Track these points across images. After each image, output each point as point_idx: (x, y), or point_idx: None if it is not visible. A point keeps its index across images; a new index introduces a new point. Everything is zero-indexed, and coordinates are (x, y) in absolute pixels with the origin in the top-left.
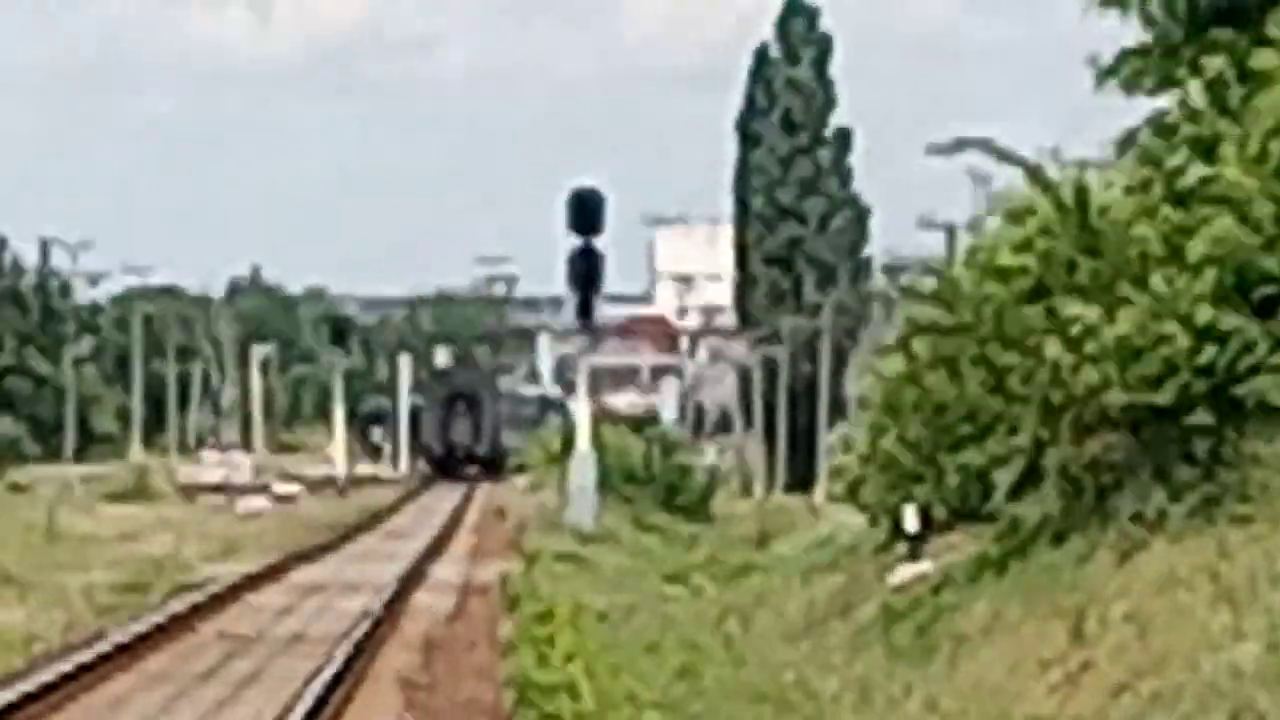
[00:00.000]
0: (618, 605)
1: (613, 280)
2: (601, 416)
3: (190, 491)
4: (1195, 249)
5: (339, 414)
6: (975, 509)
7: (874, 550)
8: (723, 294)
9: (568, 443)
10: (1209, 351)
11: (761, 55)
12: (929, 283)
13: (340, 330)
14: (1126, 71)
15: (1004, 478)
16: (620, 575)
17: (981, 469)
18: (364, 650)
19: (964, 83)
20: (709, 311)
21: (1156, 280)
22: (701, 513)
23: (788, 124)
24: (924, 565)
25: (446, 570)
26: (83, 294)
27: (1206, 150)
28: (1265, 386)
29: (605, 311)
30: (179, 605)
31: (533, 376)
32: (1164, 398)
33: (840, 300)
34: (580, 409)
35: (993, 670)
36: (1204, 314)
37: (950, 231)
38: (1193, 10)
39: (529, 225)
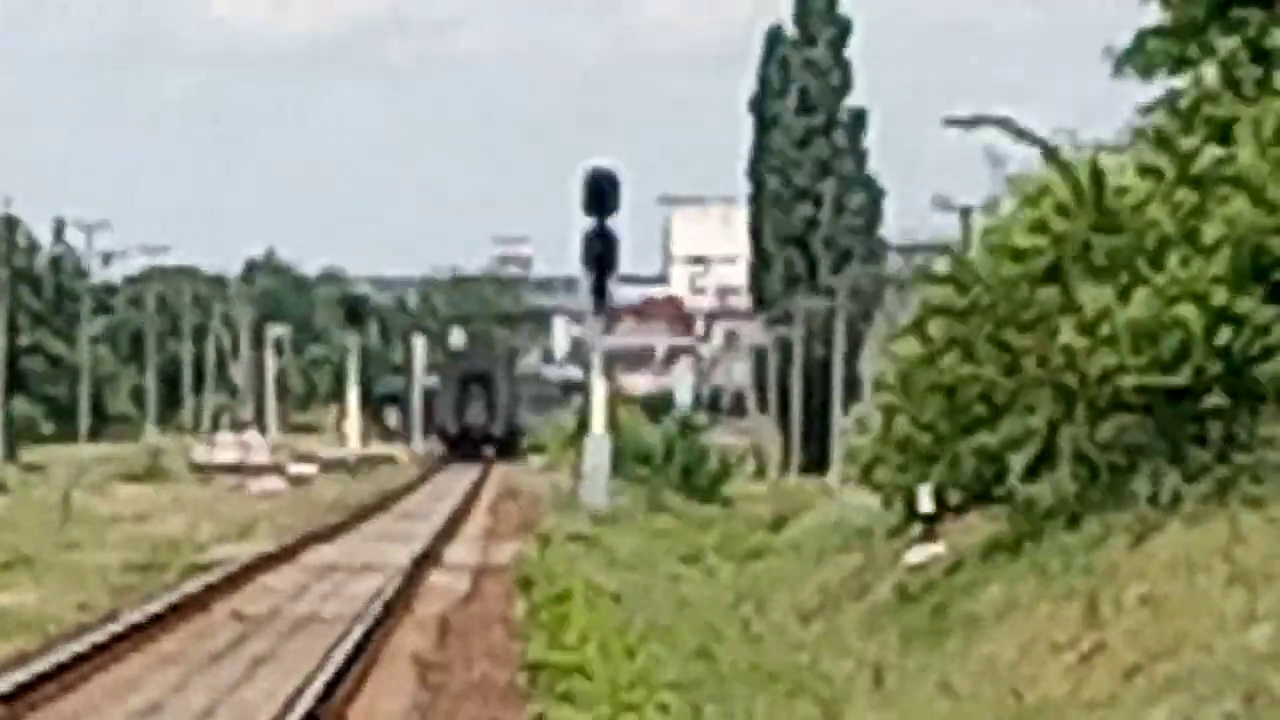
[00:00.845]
0: (632, 586)
1: (628, 261)
2: (617, 398)
3: (205, 472)
4: (1210, 231)
5: (353, 395)
6: (989, 491)
7: (888, 532)
8: (738, 275)
9: (582, 424)
10: (1223, 334)
11: (774, 36)
12: (944, 264)
13: (355, 311)
14: (1143, 55)
15: (1018, 460)
16: (634, 557)
17: (996, 451)
18: (378, 631)
19: (982, 66)
20: (724, 293)
21: (1171, 262)
22: (716, 495)
23: (803, 105)
24: (938, 547)
25: (461, 551)
26: (97, 274)
27: (1221, 132)
28: (1278, 369)
29: (620, 293)
30: (193, 586)
31: (548, 357)
32: (1178, 380)
33: (855, 282)
34: (595, 390)
35: (1006, 652)
36: (1219, 296)
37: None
38: None
39: (544, 206)
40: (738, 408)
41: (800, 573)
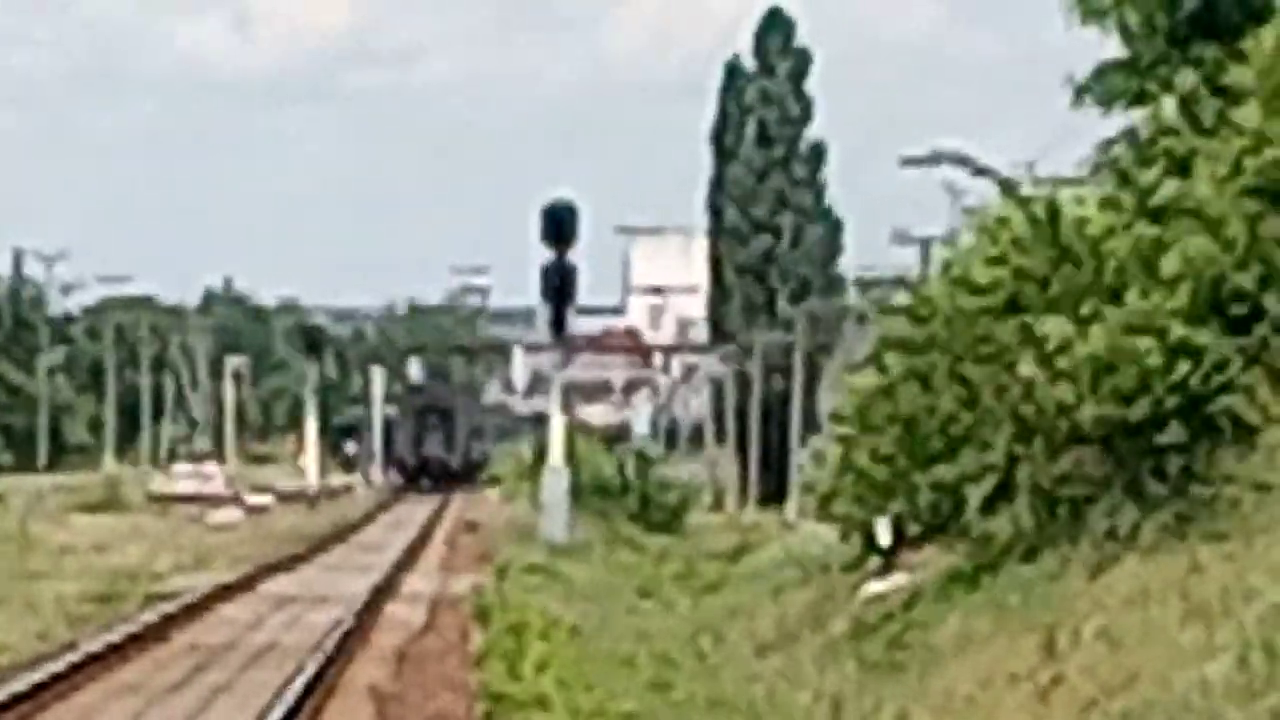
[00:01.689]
0: (590, 618)
1: (586, 292)
2: (577, 430)
3: (162, 502)
4: (1168, 265)
5: (311, 425)
6: (947, 524)
7: (846, 565)
8: (696, 306)
9: (540, 455)
10: (1182, 368)
11: (733, 68)
12: (902, 297)
13: (313, 341)
14: (1103, 87)
15: (976, 493)
16: (593, 588)
17: (954, 484)
18: (335, 662)
19: (942, 98)
20: (682, 324)
21: (1130, 296)
22: (674, 527)
23: (762, 137)
24: (896, 579)
25: (418, 582)
26: (56, 304)
27: (1180, 166)
28: (1238, 404)
29: (579, 324)
30: (151, 616)
31: (507, 389)
32: (1136, 414)
33: (814, 314)
34: (554, 422)
35: (964, 684)
36: (1177, 330)
37: (924, 246)
38: (1171, 25)
39: (503, 237)
40: (696, 439)
41: (758, 605)
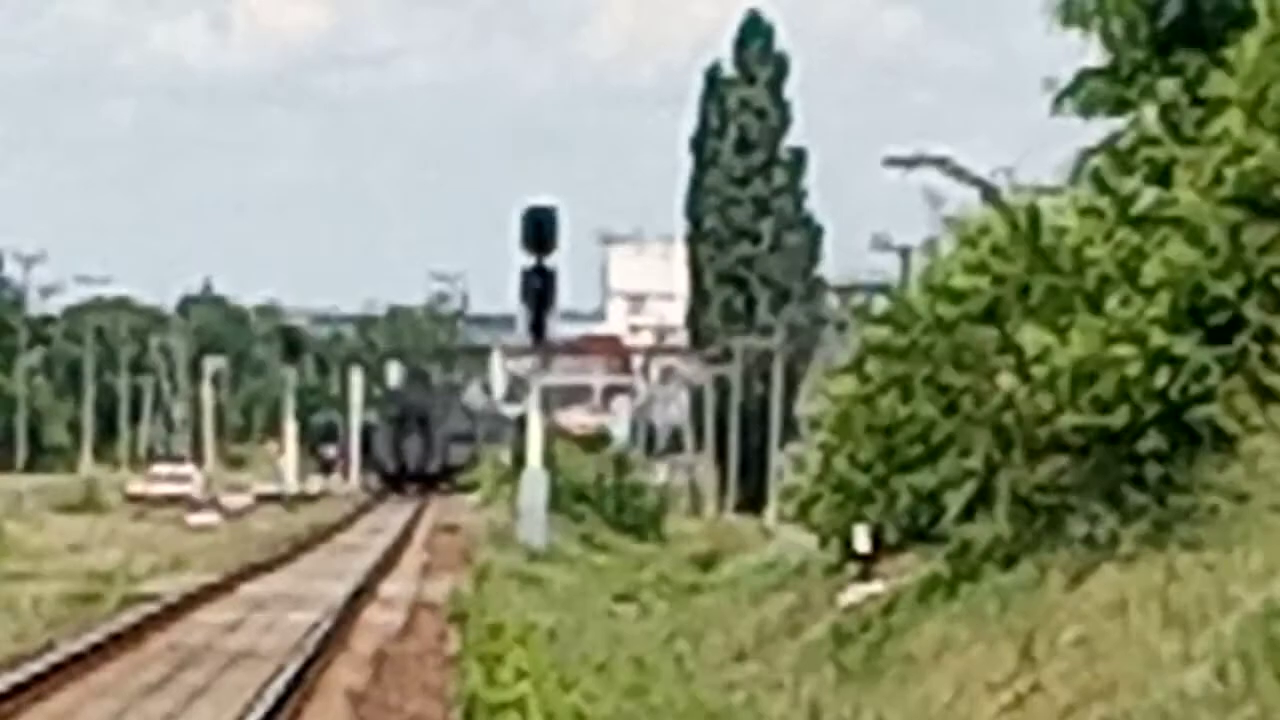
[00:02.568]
0: (567, 623)
1: (566, 298)
2: (561, 435)
3: (140, 504)
4: (1149, 273)
5: (290, 429)
6: (926, 530)
7: (824, 571)
8: (675, 313)
9: (519, 460)
10: (1162, 376)
11: (713, 75)
12: (882, 304)
13: (292, 345)
14: (1083, 94)
15: (955, 500)
16: (570, 593)
17: (933, 490)
18: (313, 665)
19: (922, 104)
20: (661, 330)
21: (1110, 303)
22: (652, 532)
23: (742, 143)
24: (874, 586)
25: (396, 586)
26: (35, 306)
27: (1161, 174)
28: (1217, 412)
29: (558, 329)
30: (128, 618)
31: (487, 393)
32: (1116, 422)
33: (793, 320)
34: (532, 427)
35: (942, 692)
36: (1157, 338)
37: (904, 253)
38: (1153, 32)
39: (483, 242)
40: (674, 445)
41: (736, 611)
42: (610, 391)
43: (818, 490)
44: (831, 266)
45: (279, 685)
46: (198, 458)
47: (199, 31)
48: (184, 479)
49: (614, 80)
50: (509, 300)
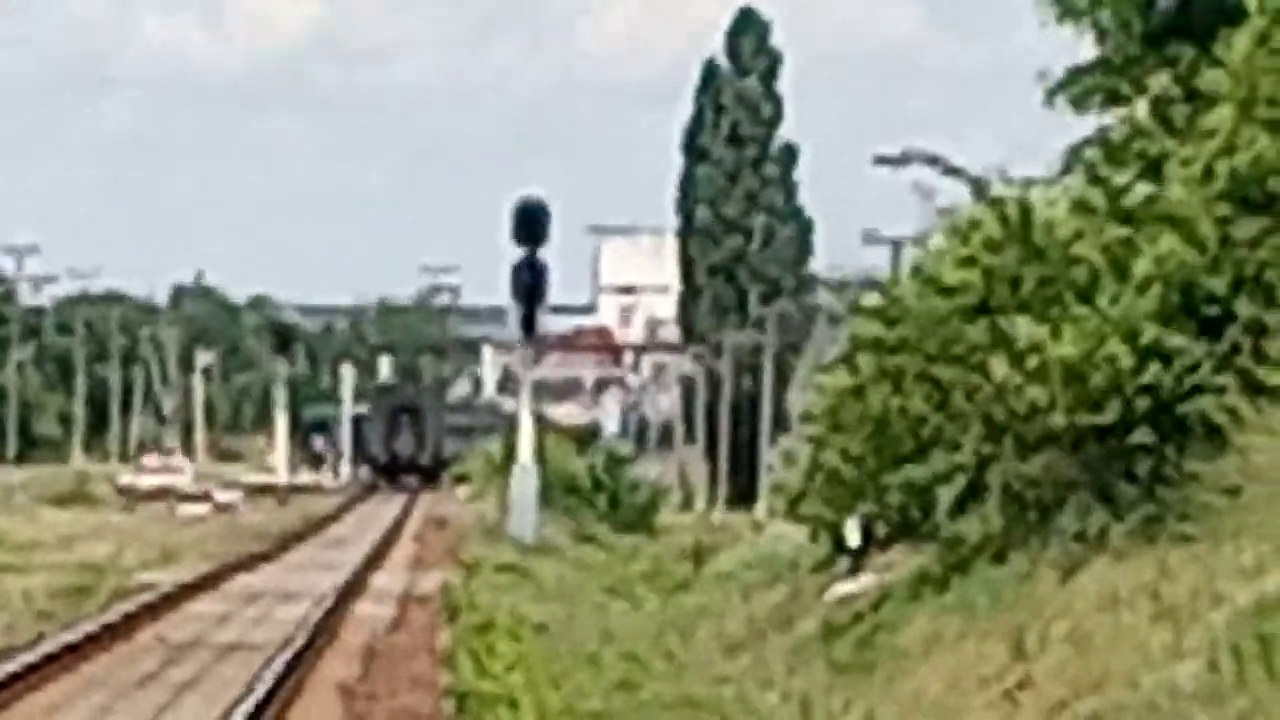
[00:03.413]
0: (557, 617)
1: (557, 291)
2: (555, 430)
3: (131, 497)
4: (1140, 267)
5: (281, 422)
6: (917, 525)
7: (815, 565)
8: (667, 306)
9: (509, 454)
10: (1153, 370)
11: (710, 69)
12: (873, 298)
13: (284, 338)
14: (1076, 88)
15: (946, 494)
16: (561, 587)
17: (924, 485)
18: (303, 658)
19: (914, 99)
20: (653, 324)
21: (1102, 298)
22: (643, 526)
23: (734, 138)
24: (865, 581)
25: (387, 580)
26: (26, 298)
27: (1152, 168)
28: (1208, 406)
29: (549, 322)
30: (118, 611)
31: (477, 387)
32: (1107, 416)
33: (784, 314)
34: (523, 420)
35: (932, 686)
36: (1149, 333)
37: (895, 247)
38: (1146, 25)
39: (474, 235)
40: (665, 439)
41: (726, 605)
42: (601, 385)
43: (808, 484)
44: (822, 261)
45: (269, 678)
46: (188, 451)
47: (194, 27)
48: (175, 471)
49: (607, 74)
50: (500, 294)
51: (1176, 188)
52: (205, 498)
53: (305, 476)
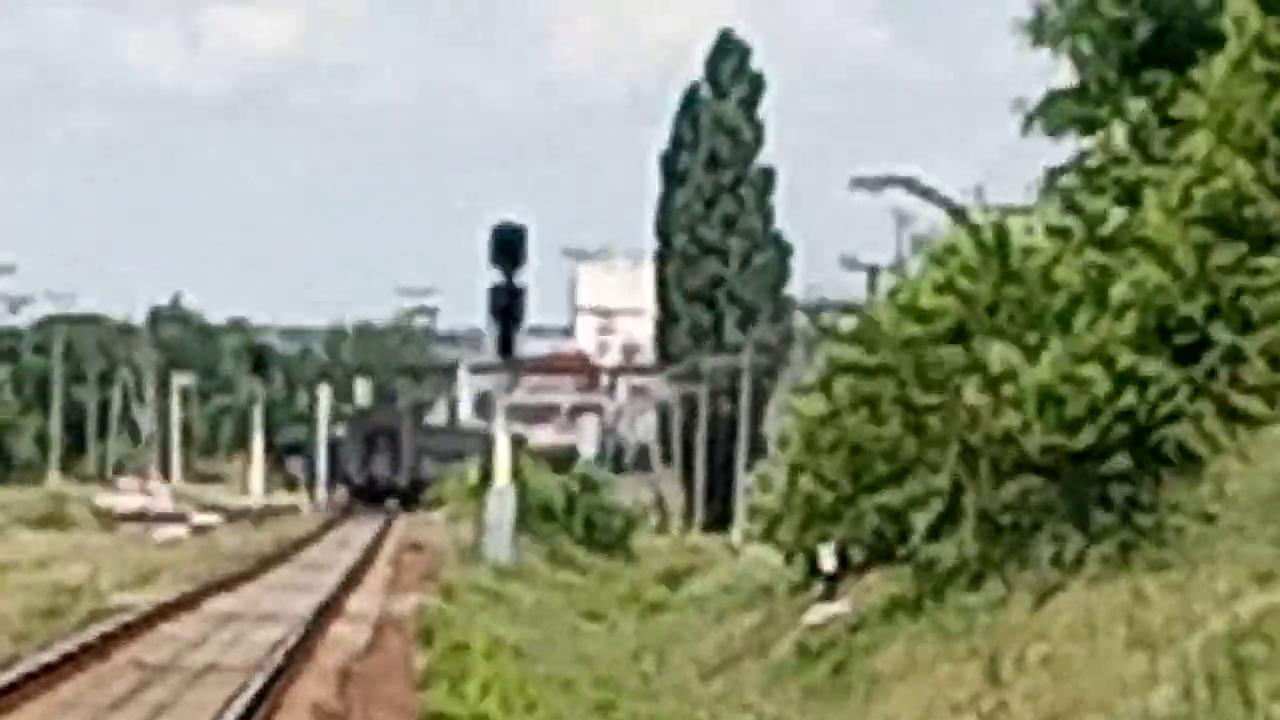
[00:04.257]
0: (533, 640)
1: (534, 314)
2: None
3: (107, 519)
4: (1117, 293)
5: (258, 444)
6: (892, 550)
7: (790, 590)
8: (644, 330)
9: (486, 477)
10: (1129, 397)
11: (692, 93)
12: (850, 323)
13: (260, 360)
14: (1053, 114)
15: (922, 519)
16: (537, 610)
17: (899, 510)
18: (278, 680)
19: (893, 124)
20: (629, 348)
21: (1078, 323)
22: (620, 550)
23: (712, 161)
24: (840, 605)
25: (363, 602)
26: (3, 319)
27: (1129, 194)
28: (1184, 433)
29: (526, 346)
30: (93, 633)
31: (453, 410)
32: (1083, 442)
33: (761, 339)
34: (499, 444)
35: (907, 710)
36: (1125, 359)
37: (873, 272)
38: (1124, 52)
39: (451, 258)
40: (642, 463)
41: (702, 629)
42: (578, 409)
43: (784, 509)
44: (800, 285)
45: (244, 701)
46: (165, 473)
47: (170, 45)
48: (151, 494)
49: (585, 97)
50: (477, 316)
51: (1153, 214)
52: (182, 519)
53: (282, 498)
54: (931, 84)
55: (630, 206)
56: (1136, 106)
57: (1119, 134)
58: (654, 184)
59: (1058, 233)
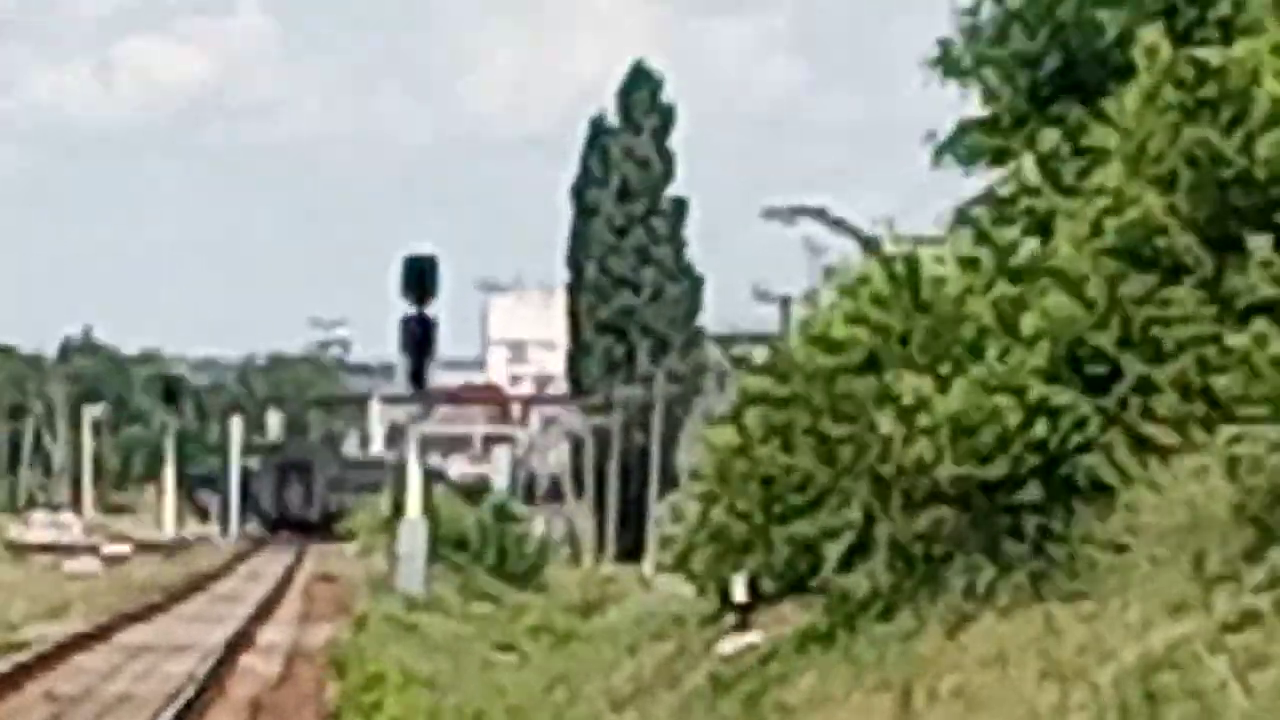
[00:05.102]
0: (445, 672)
1: (445, 346)
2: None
3: (19, 551)
4: (1028, 324)
5: (169, 475)
6: (804, 580)
7: (702, 621)
8: (556, 362)
9: (398, 508)
10: (1040, 427)
11: (598, 124)
12: (762, 354)
13: (172, 391)
14: (963, 146)
15: (834, 549)
16: (449, 642)
17: (812, 540)
18: (190, 712)
19: (804, 156)
20: (541, 379)
21: (990, 354)
22: (532, 581)
23: (624, 192)
24: (752, 636)
25: (274, 634)
26: None
27: (1040, 225)
28: (1096, 463)
29: (438, 377)
30: (4, 665)
31: (364, 443)
32: (994, 472)
33: (673, 370)
34: (411, 475)
35: None
36: (1036, 389)
37: (784, 302)
38: (1032, 84)
39: (363, 290)
40: (554, 494)
41: (614, 660)
42: (490, 440)
43: (696, 540)
44: (712, 316)
45: None
46: (76, 505)
47: (82, 80)
48: (63, 526)
49: (495, 130)
50: (389, 348)
51: (1064, 245)
52: (94, 551)
53: (194, 530)
54: (849, 119)
55: (542, 238)
56: (1048, 137)
57: (1029, 164)
58: (565, 215)
59: (969, 263)
